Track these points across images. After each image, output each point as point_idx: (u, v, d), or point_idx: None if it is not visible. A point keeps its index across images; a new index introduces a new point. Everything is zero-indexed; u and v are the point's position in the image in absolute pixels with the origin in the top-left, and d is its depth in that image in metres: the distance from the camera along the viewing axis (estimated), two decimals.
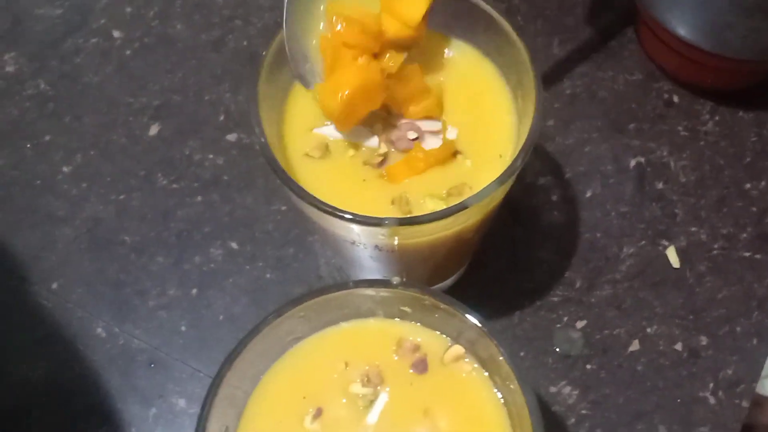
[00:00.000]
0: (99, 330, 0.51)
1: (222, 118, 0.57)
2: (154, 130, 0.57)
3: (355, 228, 0.38)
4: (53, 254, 0.53)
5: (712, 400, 0.48)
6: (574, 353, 0.50)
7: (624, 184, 0.54)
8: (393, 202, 0.39)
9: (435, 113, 0.40)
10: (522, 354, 0.50)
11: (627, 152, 0.55)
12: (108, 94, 0.58)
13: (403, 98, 0.40)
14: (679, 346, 0.50)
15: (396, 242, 0.39)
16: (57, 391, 0.49)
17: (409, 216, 0.38)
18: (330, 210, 0.36)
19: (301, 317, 0.36)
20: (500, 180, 0.37)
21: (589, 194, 0.54)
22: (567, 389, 0.49)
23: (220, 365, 0.33)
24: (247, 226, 0.54)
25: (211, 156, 0.56)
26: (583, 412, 0.48)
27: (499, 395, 0.36)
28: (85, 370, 0.50)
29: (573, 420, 0.48)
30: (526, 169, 0.55)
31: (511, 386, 0.34)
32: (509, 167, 0.37)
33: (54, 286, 0.52)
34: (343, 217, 0.36)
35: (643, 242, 0.52)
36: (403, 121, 0.41)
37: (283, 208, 0.54)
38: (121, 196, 0.55)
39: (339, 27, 0.38)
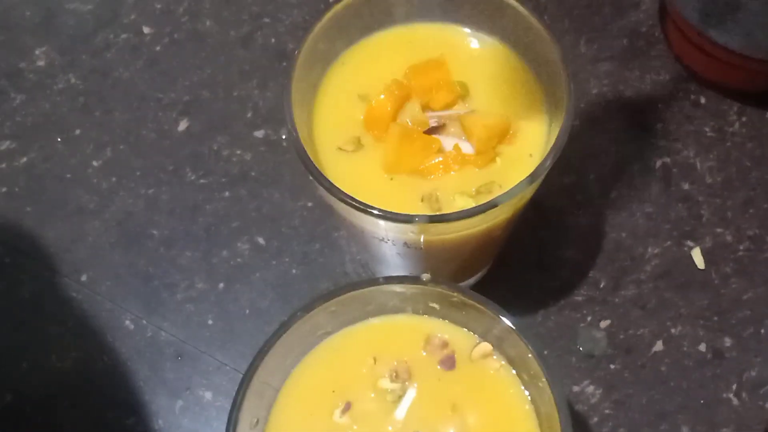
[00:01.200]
0: (127, 322, 0.52)
1: (250, 114, 0.57)
2: (183, 125, 0.57)
3: (385, 224, 0.38)
4: (83, 247, 0.54)
5: (735, 401, 0.48)
6: (598, 353, 0.50)
7: (650, 185, 0.54)
8: (423, 200, 0.40)
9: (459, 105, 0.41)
10: (545, 353, 0.50)
11: (653, 152, 0.55)
12: (138, 89, 0.58)
13: (428, 90, 0.40)
14: (703, 347, 0.50)
15: (424, 239, 0.39)
16: (86, 382, 0.50)
17: (439, 213, 0.38)
18: (360, 206, 0.37)
19: (332, 312, 0.36)
20: (530, 178, 0.37)
21: (614, 194, 0.54)
22: (590, 388, 0.49)
23: (252, 358, 0.34)
24: (274, 222, 0.54)
25: (239, 152, 0.56)
26: (607, 411, 0.48)
27: (527, 393, 0.36)
28: (113, 362, 0.51)
29: (596, 419, 0.48)
30: (551, 168, 0.55)
31: (539, 384, 0.34)
32: (539, 166, 0.37)
33: (84, 278, 0.53)
34: (374, 213, 0.37)
35: (669, 243, 0.52)
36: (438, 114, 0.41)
37: (310, 204, 0.54)
38: (151, 190, 0.55)
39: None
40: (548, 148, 0.37)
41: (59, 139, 0.57)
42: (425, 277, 0.35)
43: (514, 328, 0.34)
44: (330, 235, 0.54)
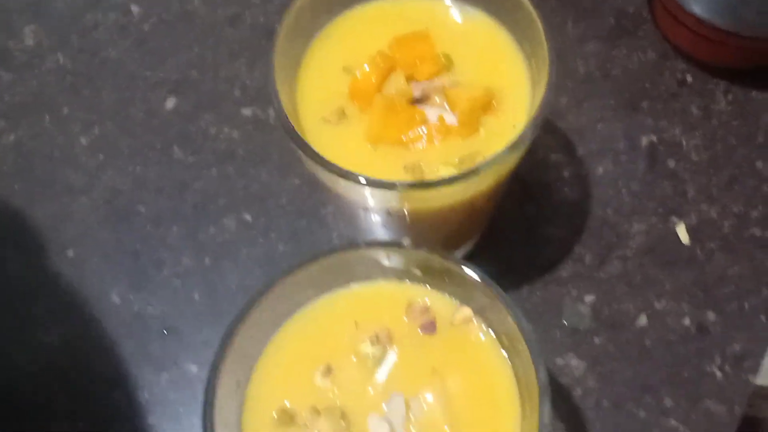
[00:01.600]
0: (114, 298, 0.52)
1: (238, 93, 0.57)
2: (171, 104, 0.57)
3: (368, 192, 0.38)
4: (71, 224, 0.54)
5: (719, 375, 0.48)
6: (583, 327, 0.50)
7: (636, 162, 0.55)
8: (406, 170, 0.40)
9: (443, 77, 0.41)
10: (532, 329, 0.50)
11: (639, 130, 0.55)
12: (126, 68, 0.59)
13: (412, 62, 0.40)
14: (687, 322, 0.50)
15: (408, 208, 0.39)
16: (72, 357, 0.50)
17: (421, 180, 0.38)
18: (343, 173, 0.37)
19: (313, 277, 0.36)
20: (512, 147, 0.37)
21: (600, 172, 0.54)
22: (574, 362, 0.49)
23: (232, 320, 0.34)
24: (262, 199, 0.54)
25: (226, 130, 0.56)
26: (591, 384, 0.48)
27: (507, 357, 0.36)
28: (100, 337, 0.51)
29: (580, 392, 0.48)
30: (538, 145, 0.56)
31: (519, 347, 0.34)
32: (521, 135, 0.38)
33: (71, 254, 0.53)
34: (356, 180, 0.37)
35: (654, 219, 0.53)
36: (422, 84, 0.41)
37: (297, 181, 0.55)
38: (138, 168, 0.55)
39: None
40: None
41: (47, 118, 0.57)
42: (406, 242, 0.36)
43: (492, 289, 0.34)
44: (317, 212, 0.54)
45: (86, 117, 0.57)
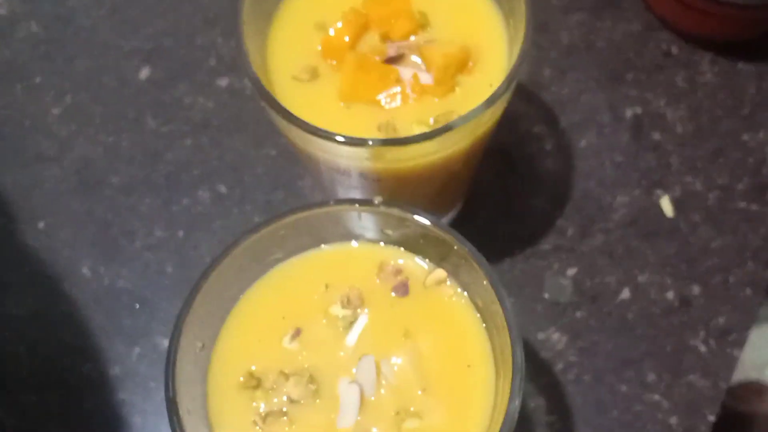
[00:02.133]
0: (85, 270, 0.50)
1: (213, 62, 0.56)
2: (144, 73, 0.56)
3: (339, 151, 0.37)
4: (41, 194, 0.53)
5: (702, 348, 0.47)
6: (564, 300, 0.49)
7: (620, 134, 0.53)
8: (379, 129, 0.39)
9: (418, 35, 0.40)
10: (511, 300, 0.49)
11: (623, 102, 0.54)
12: (100, 37, 0.57)
13: (386, 20, 0.39)
14: (670, 295, 0.49)
15: (380, 168, 0.38)
16: (42, 329, 0.49)
17: (392, 137, 0.37)
18: (313, 130, 0.36)
19: (281, 236, 0.35)
20: (487, 103, 0.36)
21: (583, 144, 0.53)
22: (555, 336, 0.48)
23: (197, 279, 0.33)
24: (236, 170, 0.53)
25: (201, 100, 0.55)
26: (572, 358, 0.47)
27: (481, 319, 0.35)
28: (70, 309, 0.49)
29: (561, 366, 0.47)
30: (520, 117, 0.55)
31: (492, 307, 0.33)
32: (496, 91, 0.36)
33: (41, 225, 0.52)
34: (327, 137, 0.36)
35: (638, 191, 0.52)
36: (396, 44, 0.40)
37: (273, 152, 0.53)
38: (110, 138, 0.54)
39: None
40: None
41: (19, 87, 0.56)
42: (377, 199, 0.35)
43: (466, 249, 0.33)
44: (294, 184, 0.53)
45: (59, 86, 0.56)
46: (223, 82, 0.56)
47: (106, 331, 0.49)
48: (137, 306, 0.49)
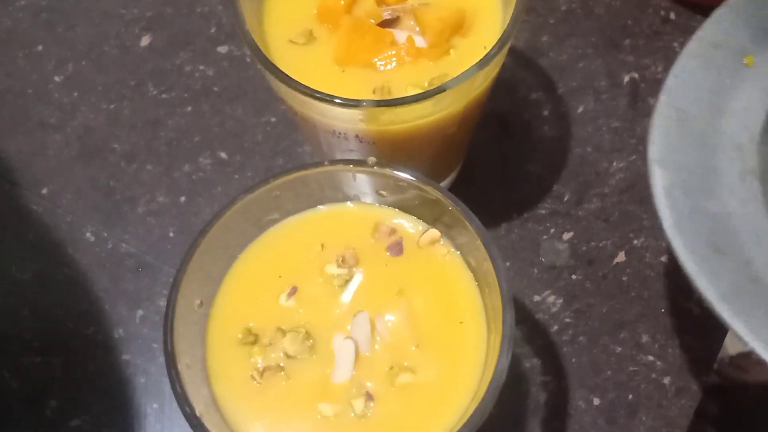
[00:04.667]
0: (88, 235, 0.51)
1: (214, 30, 0.57)
2: (145, 41, 0.56)
3: (335, 113, 0.37)
4: (44, 161, 0.53)
5: (696, 311, 0.48)
6: (560, 264, 0.50)
7: (617, 100, 0.54)
8: (375, 92, 0.39)
9: None
10: (508, 264, 0.50)
11: (621, 68, 0.55)
12: (101, 5, 0.58)
13: None
14: (665, 258, 0.49)
15: (376, 130, 0.39)
16: (46, 293, 0.50)
17: (386, 99, 0.38)
18: (308, 92, 0.36)
19: (277, 197, 0.36)
20: (479, 65, 0.36)
21: (581, 109, 0.54)
22: (551, 298, 0.49)
23: (195, 237, 0.34)
24: (237, 137, 0.54)
25: (201, 67, 0.55)
26: (567, 320, 0.48)
27: (474, 278, 0.36)
28: (73, 273, 0.50)
29: (556, 328, 0.48)
30: (518, 83, 0.55)
31: (485, 266, 0.34)
32: (489, 53, 0.37)
33: (44, 191, 0.52)
34: (322, 98, 0.36)
35: (634, 157, 0.52)
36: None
37: (273, 119, 0.54)
38: (112, 105, 0.55)
39: None
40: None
41: (21, 55, 0.56)
42: (371, 160, 0.35)
43: (458, 208, 0.34)
44: (293, 150, 0.53)
45: (60, 54, 0.56)
46: (223, 49, 0.56)
47: (109, 294, 0.50)
48: (140, 270, 0.50)
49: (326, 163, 0.35)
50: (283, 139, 0.53)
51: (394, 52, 0.39)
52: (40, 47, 0.57)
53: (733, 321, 0.31)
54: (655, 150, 0.35)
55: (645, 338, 0.47)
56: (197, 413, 0.31)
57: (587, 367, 0.47)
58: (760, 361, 0.54)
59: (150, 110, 0.54)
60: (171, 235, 0.51)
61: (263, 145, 0.53)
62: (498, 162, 0.53)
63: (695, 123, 0.36)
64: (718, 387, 0.47)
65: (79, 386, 0.47)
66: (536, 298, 0.49)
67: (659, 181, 0.35)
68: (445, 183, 0.51)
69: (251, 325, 0.35)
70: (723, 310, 0.32)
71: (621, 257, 0.50)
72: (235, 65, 0.55)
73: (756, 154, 0.36)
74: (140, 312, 0.49)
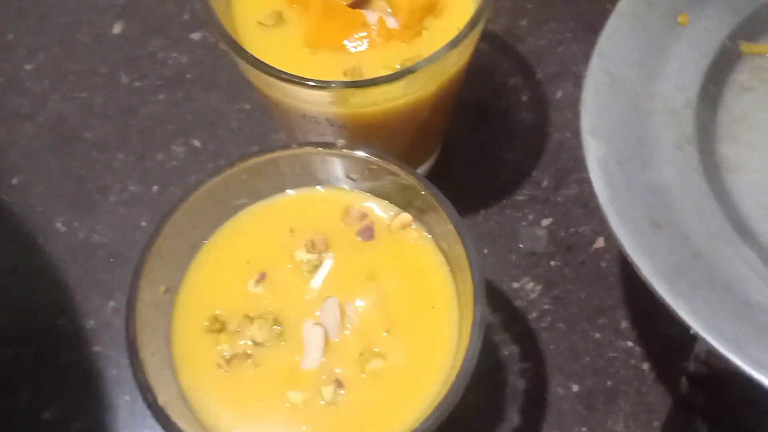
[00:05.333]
0: (59, 225, 0.50)
1: (187, 16, 0.56)
2: (118, 28, 0.56)
3: (305, 95, 0.37)
4: (15, 150, 0.52)
5: None
6: (539, 250, 0.49)
7: None
8: (345, 74, 0.38)
9: None
10: (486, 251, 0.49)
11: None
12: None
13: None
14: None
15: (347, 113, 0.38)
16: (16, 283, 0.49)
17: (356, 80, 0.37)
18: (276, 74, 0.35)
19: (244, 180, 0.35)
20: (450, 45, 0.36)
21: (559, 95, 0.53)
22: (530, 285, 0.48)
23: (158, 221, 0.33)
24: (211, 125, 0.53)
25: (175, 54, 0.55)
26: (546, 306, 0.47)
27: (446, 262, 0.35)
28: (44, 264, 0.49)
29: (535, 314, 0.47)
30: (496, 69, 0.54)
31: (456, 249, 0.33)
32: (460, 33, 0.36)
33: (15, 181, 0.52)
34: (290, 80, 0.35)
35: None
36: None
37: (247, 107, 0.53)
38: (84, 94, 0.54)
39: None
40: None
41: None
42: (340, 143, 0.34)
43: (431, 193, 0.33)
44: (268, 137, 0.52)
45: (32, 42, 0.56)
46: (196, 36, 0.55)
47: (81, 285, 0.49)
48: (112, 260, 0.49)
49: (294, 146, 0.34)
50: (258, 126, 0.53)
51: (365, 34, 0.39)
52: (11, 36, 0.56)
53: (674, 302, 0.30)
54: (587, 119, 0.34)
55: (624, 324, 0.47)
56: (159, 402, 0.30)
57: (566, 354, 0.46)
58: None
59: (123, 98, 0.53)
60: (143, 224, 0.50)
61: (237, 133, 0.53)
62: (476, 148, 0.52)
63: (629, 88, 0.35)
64: (704, 377, 0.46)
65: (50, 378, 0.46)
66: (515, 284, 0.48)
67: (593, 153, 0.33)
68: (422, 169, 0.50)
69: (218, 312, 0.34)
70: (663, 291, 0.30)
71: (600, 243, 0.49)
72: (208, 52, 0.55)
73: (692, 119, 0.34)
74: (112, 303, 0.48)
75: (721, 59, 0.36)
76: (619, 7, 0.35)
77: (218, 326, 0.34)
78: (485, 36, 0.55)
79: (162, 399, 0.30)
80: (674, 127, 0.34)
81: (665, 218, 0.32)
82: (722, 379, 0.55)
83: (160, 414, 0.30)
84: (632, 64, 0.34)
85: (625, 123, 0.33)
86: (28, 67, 0.55)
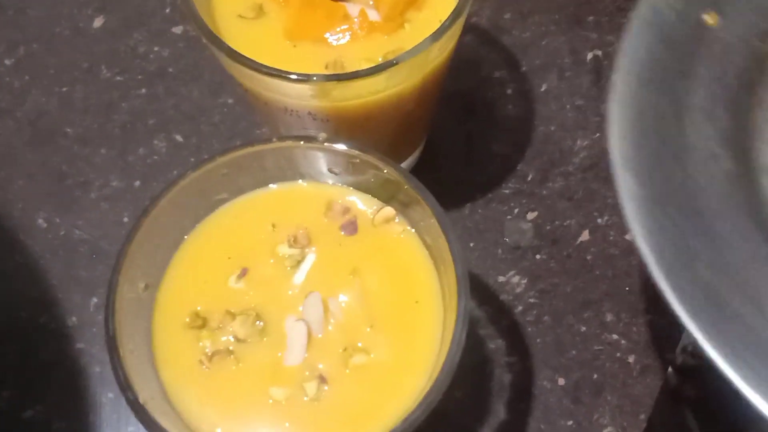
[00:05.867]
0: (40, 221, 0.50)
1: (168, 10, 0.55)
2: (98, 22, 0.55)
3: (286, 89, 0.36)
4: None
5: None
6: (524, 244, 0.49)
7: (580, 77, 0.53)
8: (327, 67, 0.38)
9: None
10: (471, 245, 0.49)
11: (584, 45, 0.54)
12: None
13: None
14: (629, 236, 0.49)
15: (329, 107, 0.38)
16: None
17: (337, 72, 0.36)
18: (256, 67, 0.35)
19: (224, 174, 0.35)
20: (432, 37, 0.35)
21: (544, 87, 0.53)
22: (515, 279, 0.48)
23: (138, 216, 0.32)
24: (193, 119, 0.52)
25: (156, 48, 0.54)
26: (531, 300, 0.47)
27: (430, 257, 0.35)
28: (25, 261, 0.49)
29: (520, 308, 0.47)
30: (481, 62, 0.54)
31: (440, 242, 0.33)
32: (442, 25, 0.36)
33: None
34: (270, 73, 0.35)
35: (598, 135, 0.51)
36: None
37: (230, 101, 0.53)
38: (64, 89, 0.53)
39: None
40: None
41: None
42: (321, 136, 0.34)
43: (414, 187, 0.33)
44: (251, 132, 0.52)
45: (11, 37, 0.55)
46: (178, 30, 0.55)
47: (62, 282, 0.48)
48: (94, 256, 0.49)
49: (275, 139, 0.34)
50: (241, 120, 0.52)
51: (346, 27, 0.38)
52: None
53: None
54: (617, 149, 0.31)
55: (609, 317, 0.47)
56: (140, 400, 0.30)
57: (552, 347, 0.46)
58: None
59: (103, 93, 0.53)
60: (125, 220, 0.50)
61: (220, 127, 0.52)
62: (461, 142, 0.52)
63: (658, 96, 0.33)
64: (694, 368, 0.46)
65: (32, 376, 0.46)
66: (500, 278, 0.48)
67: (625, 188, 0.30)
68: (407, 163, 0.50)
69: (199, 308, 0.34)
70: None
71: (585, 236, 0.49)
72: (190, 46, 0.54)
73: (727, 124, 0.32)
74: (94, 300, 0.48)
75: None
76: (637, 14, 0.32)
77: (200, 322, 0.34)
78: (470, 28, 0.54)
79: (143, 397, 0.30)
80: (709, 134, 0.31)
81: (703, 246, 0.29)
82: (711, 371, 0.54)
83: (141, 412, 0.29)
84: (660, 69, 0.32)
85: (659, 156, 0.30)
86: (7, 61, 0.54)
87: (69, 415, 0.45)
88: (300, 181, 0.36)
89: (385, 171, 0.34)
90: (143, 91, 0.53)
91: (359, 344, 0.33)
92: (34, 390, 0.45)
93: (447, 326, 0.33)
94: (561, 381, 0.45)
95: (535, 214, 0.50)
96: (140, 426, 0.30)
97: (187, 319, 0.34)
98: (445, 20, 0.36)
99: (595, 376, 0.45)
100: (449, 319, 0.32)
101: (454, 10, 0.36)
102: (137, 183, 0.51)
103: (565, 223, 0.49)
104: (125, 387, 0.30)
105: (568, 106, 0.52)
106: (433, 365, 0.33)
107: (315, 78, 0.35)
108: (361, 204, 0.36)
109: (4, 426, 0.44)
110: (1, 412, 0.45)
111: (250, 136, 0.52)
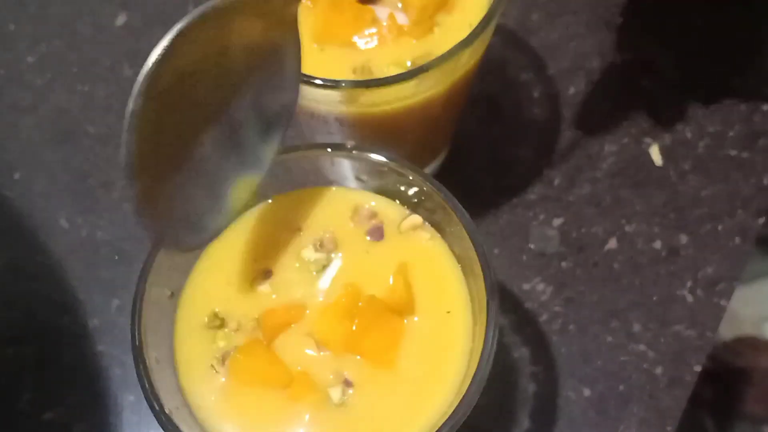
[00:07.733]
0: (62, 221, 0.49)
1: (191, 7, 0.54)
2: (121, 20, 0.55)
3: (314, 94, 0.36)
4: (16, 144, 0.52)
5: (689, 299, 0.47)
6: (550, 251, 0.48)
7: (609, 81, 0.52)
8: (355, 71, 0.37)
9: None
10: (496, 251, 0.48)
11: (613, 48, 0.53)
12: None
13: None
14: (658, 245, 0.48)
15: (356, 113, 0.37)
16: (19, 281, 0.48)
17: (366, 79, 0.36)
18: None
19: None
20: (463, 43, 0.35)
21: (572, 91, 0.52)
22: (541, 286, 0.47)
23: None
24: None
25: None
26: (557, 309, 0.47)
27: (458, 264, 0.34)
28: (47, 261, 0.49)
29: (545, 317, 0.46)
30: (507, 64, 0.53)
31: (469, 253, 0.32)
32: (474, 30, 0.35)
33: (17, 176, 0.51)
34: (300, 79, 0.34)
35: (626, 140, 0.50)
36: None
37: None
38: (86, 87, 0.53)
39: None
40: None
41: None
42: (350, 143, 0.33)
43: (443, 196, 0.32)
44: None
45: (33, 34, 0.54)
46: None
47: (84, 283, 0.48)
48: (116, 257, 0.49)
49: (303, 147, 0.33)
50: None
51: (374, 30, 0.38)
52: (12, 26, 0.55)
53: None
54: None
55: (636, 327, 0.46)
56: (166, 410, 0.29)
57: (577, 357, 0.45)
58: (755, 346, 0.52)
59: (126, 91, 0.51)
60: None
61: None
62: (486, 146, 0.51)
63: None
64: (713, 373, 0.45)
65: (52, 378, 0.46)
66: (525, 286, 0.47)
67: None
68: (431, 167, 0.49)
69: (217, 309, 0.33)
70: None
71: (612, 244, 0.48)
72: None
73: None
74: (116, 301, 0.48)
75: None
76: None
77: (218, 323, 0.33)
78: (496, 30, 0.53)
79: (168, 407, 0.29)
80: None
81: None
82: (730, 375, 0.54)
83: (167, 423, 0.29)
84: None
85: None
86: (29, 59, 0.54)
87: (89, 417, 0.44)
88: (327, 186, 0.36)
89: (413, 179, 0.33)
90: None
91: None
92: (55, 392, 0.45)
93: (477, 337, 0.32)
94: (586, 392, 0.44)
95: (561, 220, 0.49)
96: (160, 430, 0.30)
97: (206, 319, 0.33)
98: (477, 25, 0.35)
99: (622, 387, 0.44)
100: (478, 331, 0.32)
101: (487, 14, 0.35)
102: None
103: (591, 230, 0.48)
104: (152, 397, 0.29)
105: (596, 111, 0.51)
106: (462, 377, 0.32)
107: (344, 84, 0.34)
108: (388, 210, 0.35)
109: (25, 428, 0.44)
110: (22, 415, 0.44)
111: None
